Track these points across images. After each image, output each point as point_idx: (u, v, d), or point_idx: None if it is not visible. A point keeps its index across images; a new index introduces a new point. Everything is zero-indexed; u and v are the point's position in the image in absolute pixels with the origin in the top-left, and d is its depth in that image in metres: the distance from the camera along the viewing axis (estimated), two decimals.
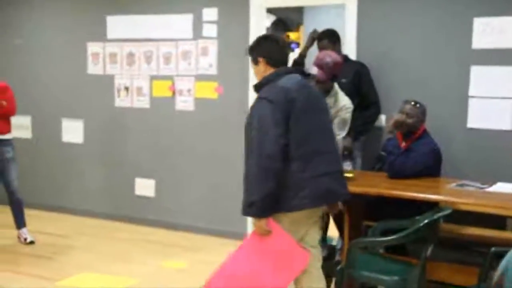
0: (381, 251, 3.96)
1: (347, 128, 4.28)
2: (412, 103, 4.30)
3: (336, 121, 4.21)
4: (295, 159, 3.15)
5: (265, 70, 3.34)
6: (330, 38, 4.85)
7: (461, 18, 4.66)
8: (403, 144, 4.33)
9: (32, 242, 5.41)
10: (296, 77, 3.35)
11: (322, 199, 3.26)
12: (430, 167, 4.22)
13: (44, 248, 5.42)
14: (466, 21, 4.63)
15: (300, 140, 3.18)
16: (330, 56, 4.15)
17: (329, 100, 4.17)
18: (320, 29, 5.02)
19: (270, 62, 3.34)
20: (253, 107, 3.26)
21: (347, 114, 4.25)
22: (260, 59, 3.35)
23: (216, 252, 5.38)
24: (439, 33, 4.76)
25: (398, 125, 4.27)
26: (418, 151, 4.20)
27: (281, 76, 3.30)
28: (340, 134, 4.23)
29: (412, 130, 4.27)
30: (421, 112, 4.31)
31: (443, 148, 4.37)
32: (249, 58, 3.46)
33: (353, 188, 3.98)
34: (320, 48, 4.85)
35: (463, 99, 4.68)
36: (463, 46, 4.66)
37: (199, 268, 4.91)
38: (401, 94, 4.75)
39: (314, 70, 4.12)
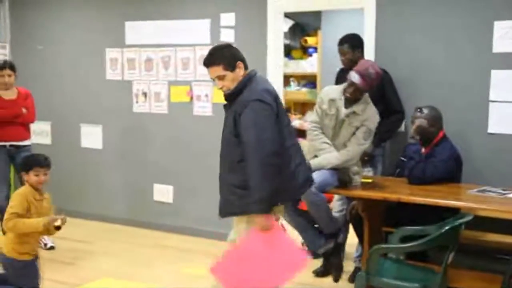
0: (401, 257, 3.93)
1: (371, 138, 4.22)
2: (423, 109, 4.34)
3: (362, 130, 4.14)
4: (283, 154, 3.36)
5: (243, 73, 3.43)
6: (350, 43, 4.81)
7: (482, 22, 4.62)
8: (423, 150, 4.32)
9: (52, 248, 5.44)
10: (263, 77, 3.64)
11: (305, 186, 3.57)
12: (451, 173, 4.21)
13: (64, 253, 5.47)
14: (487, 24, 4.59)
15: (283, 136, 3.40)
16: (373, 67, 4.11)
17: (357, 108, 4.12)
18: (339, 33, 5.02)
19: (245, 64, 3.46)
20: (246, 108, 3.30)
21: (373, 125, 4.17)
22: (240, 64, 3.42)
23: None
24: (459, 37, 4.73)
25: (420, 130, 4.28)
26: (438, 157, 4.20)
27: (253, 77, 3.45)
28: (365, 144, 4.18)
29: (432, 136, 4.27)
30: (438, 118, 4.32)
31: (464, 154, 4.36)
32: (221, 66, 3.38)
33: (372, 194, 4.00)
34: (341, 53, 4.83)
35: (484, 103, 4.63)
36: (484, 50, 4.62)
37: None
38: (419, 98, 4.74)
39: (355, 77, 4.04)
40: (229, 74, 3.38)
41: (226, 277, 3.45)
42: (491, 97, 4.60)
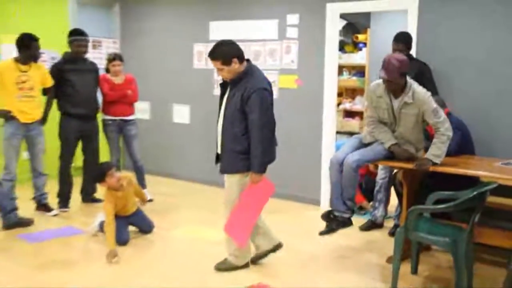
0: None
1: (440, 110, 3.76)
2: None
3: (428, 115, 3.72)
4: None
5: (238, 67, 3.54)
6: (406, 42, 4.54)
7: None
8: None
9: (151, 200, 5.58)
10: (258, 67, 3.70)
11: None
12: (460, 140, 4.11)
13: (160, 205, 5.64)
14: None
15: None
16: (393, 57, 3.74)
17: (407, 98, 3.74)
18: (385, 31, 4.89)
19: (240, 59, 3.54)
20: (254, 93, 3.46)
21: (431, 103, 3.73)
22: (235, 60, 3.51)
23: (294, 215, 5.46)
24: (494, 35, 4.54)
25: None
26: None
27: (253, 68, 3.60)
28: (442, 117, 3.74)
29: None
30: (438, 102, 4.12)
31: (498, 137, 4.33)
32: (219, 62, 3.51)
33: (411, 165, 3.91)
34: (396, 50, 4.45)
35: None
36: None
37: (281, 227, 4.97)
38: (456, 91, 4.63)
39: (381, 74, 3.73)
40: (225, 68, 3.53)
41: (235, 230, 3.69)
42: None
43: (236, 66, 3.53)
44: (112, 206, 4.25)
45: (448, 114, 4.18)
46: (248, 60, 3.65)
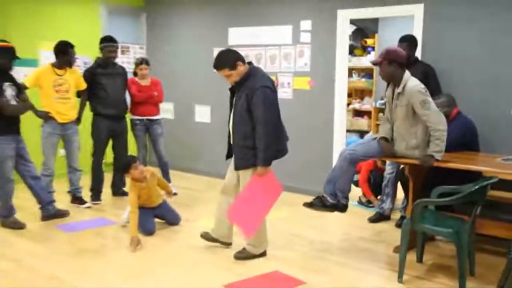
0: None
1: (432, 102, 3.63)
2: (436, 98, 4.11)
3: (417, 107, 3.61)
4: (279, 125, 3.68)
5: (243, 69, 3.56)
6: (409, 43, 4.55)
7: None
8: None
9: (175, 194, 5.61)
10: (261, 68, 3.72)
11: (286, 150, 3.79)
12: (466, 137, 4.12)
13: (184, 198, 5.69)
14: None
15: (279, 113, 3.66)
16: (385, 48, 3.81)
17: (400, 89, 3.71)
18: (393, 36, 4.90)
19: (243, 61, 3.58)
20: (257, 91, 3.47)
21: (420, 96, 3.60)
22: (239, 63, 3.54)
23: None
24: (492, 39, 4.54)
25: None
26: (453, 129, 4.02)
27: (257, 69, 3.62)
28: (431, 109, 3.60)
29: (448, 114, 4.09)
30: (450, 100, 4.19)
31: (497, 134, 4.30)
32: (226, 69, 3.53)
33: (415, 160, 3.92)
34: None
35: None
36: None
37: (294, 218, 5.02)
38: (458, 88, 4.61)
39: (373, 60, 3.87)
40: (233, 73, 3.55)
41: (240, 218, 3.69)
42: None
43: (242, 68, 3.57)
44: (135, 195, 4.33)
45: (458, 113, 4.19)
46: (250, 63, 3.68)
